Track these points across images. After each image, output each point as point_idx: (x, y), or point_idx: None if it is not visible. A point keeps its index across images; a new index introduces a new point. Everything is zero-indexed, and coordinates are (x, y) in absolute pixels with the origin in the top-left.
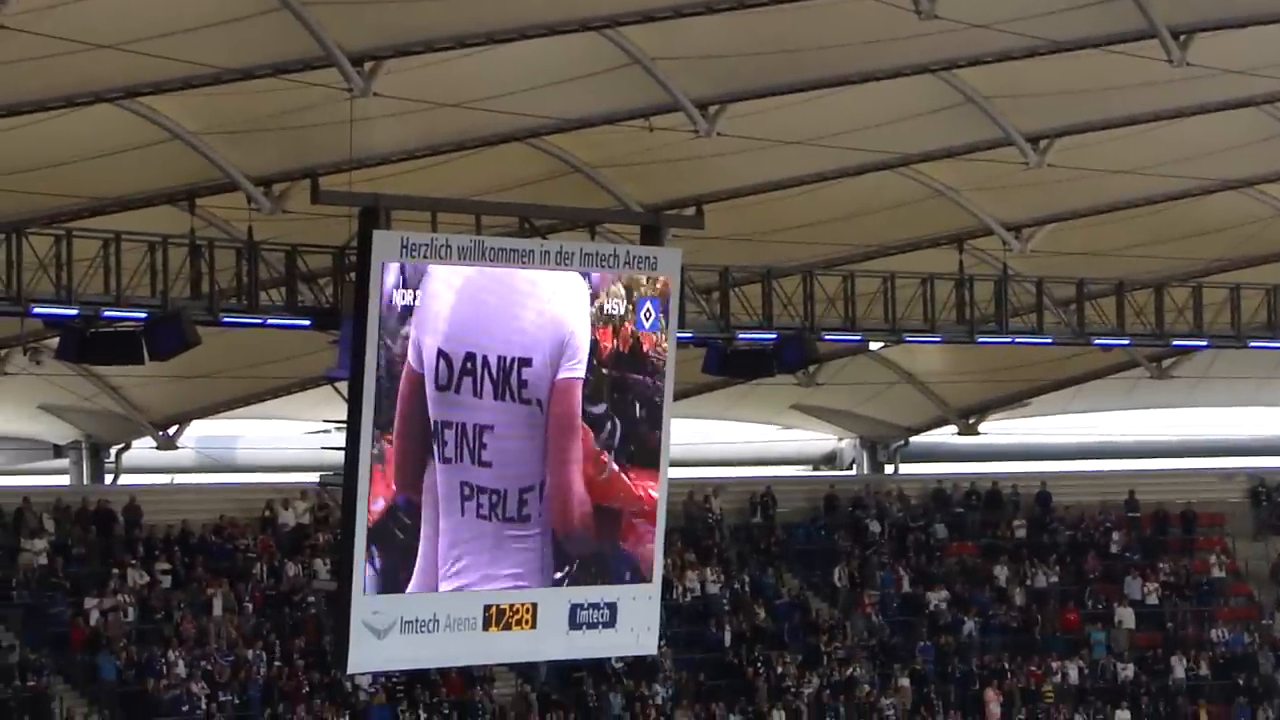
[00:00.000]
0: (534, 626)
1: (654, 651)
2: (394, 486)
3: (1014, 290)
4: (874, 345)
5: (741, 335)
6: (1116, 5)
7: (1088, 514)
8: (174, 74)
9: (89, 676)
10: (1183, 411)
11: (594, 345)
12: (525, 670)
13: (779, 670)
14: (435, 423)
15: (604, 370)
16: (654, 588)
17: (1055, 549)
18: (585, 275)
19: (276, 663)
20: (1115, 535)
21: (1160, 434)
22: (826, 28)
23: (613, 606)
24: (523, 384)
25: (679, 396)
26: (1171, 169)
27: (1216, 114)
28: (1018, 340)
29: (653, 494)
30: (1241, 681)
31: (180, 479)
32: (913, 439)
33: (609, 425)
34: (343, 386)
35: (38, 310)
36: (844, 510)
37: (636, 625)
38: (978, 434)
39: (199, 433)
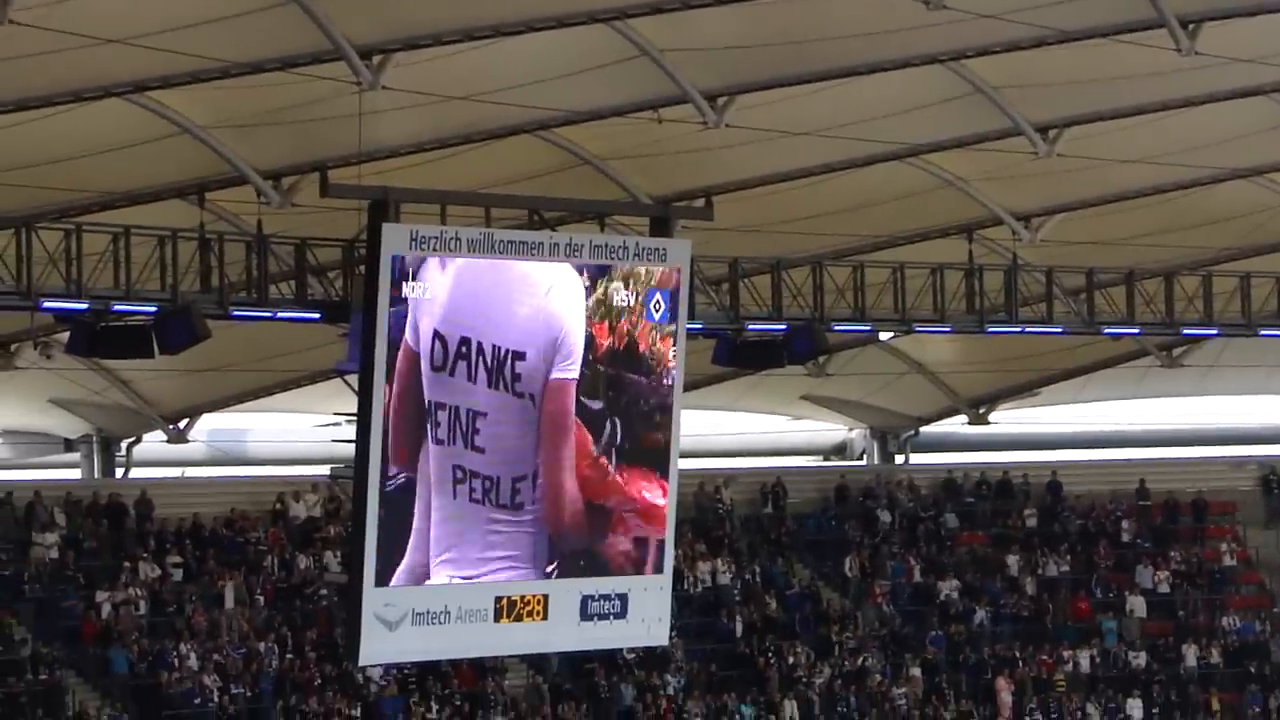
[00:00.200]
0: (545, 618)
1: (665, 642)
2: (394, 463)
3: (1024, 280)
4: (884, 335)
5: (751, 326)
6: None
7: (1099, 503)
8: (182, 68)
9: (101, 670)
10: (1193, 400)
11: (590, 341)
12: (537, 661)
13: (790, 660)
14: (429, 403)
15: (600, 367)
16: (665, 579)
17: (1066, 538)
18: (580, 269)
19: (288, 655)
20: (1126, 524)
21: (1171, 423)
22: (835, 19)
23: (624, 598)
24: (516, 377)
25: (689, 388)
26: (1181, 158)
27: (1226, 103)
28: (1028, 330)
29: (646, 495)
30: (1253, 669)
31: (191, 472)
32: (923, 429)
33: (607, 425)
34: (353, 379)
35: (48, 305)
36: (855, 500)
37: (648, 616)
38: (988, 424)
39: (209, 426)
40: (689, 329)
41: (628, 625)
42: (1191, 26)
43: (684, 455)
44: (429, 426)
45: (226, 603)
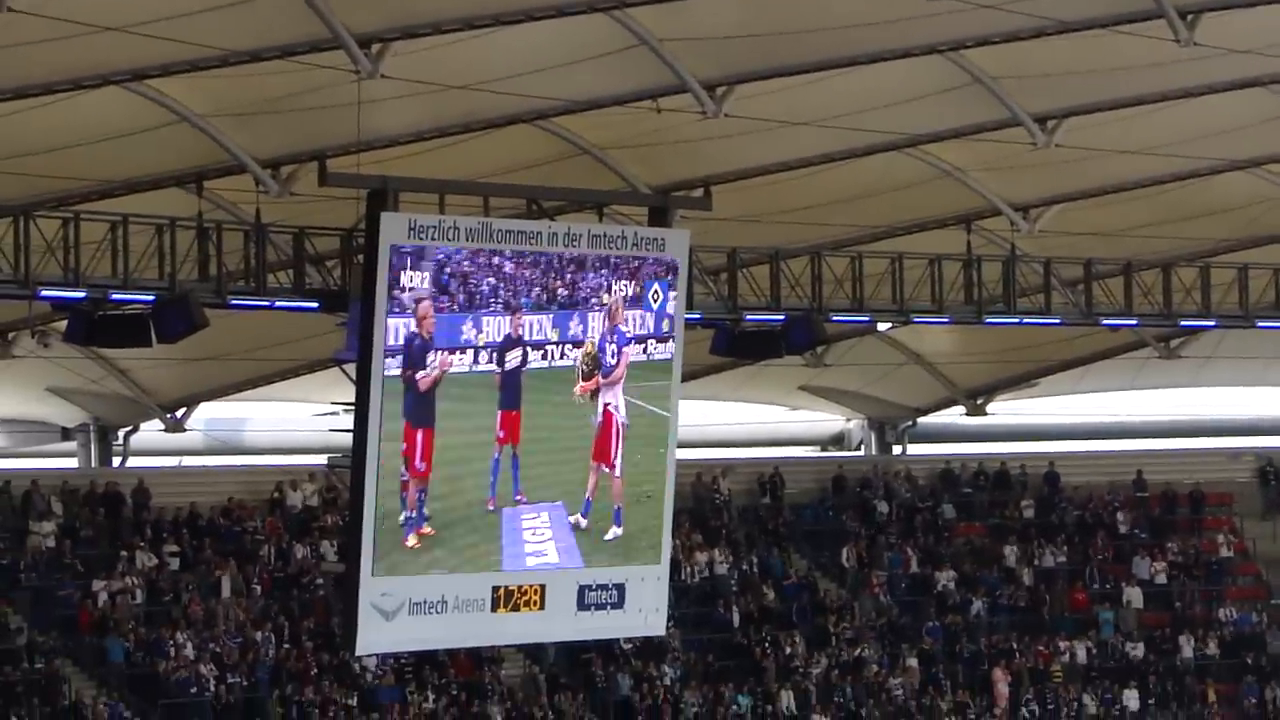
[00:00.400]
0: (542, 608)
1: (662, 632)
2: None
3: (1022, 271)
4: (882, 326)
5: (749, 316)
6: None
7: (1096, 494)
8: (181, 56)
9: (98, 659)
10: (1190, 391)
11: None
12: (534, 651)
13: (787, 650)
14: None
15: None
16: (662, 569)
17: (1063, 529)
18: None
19: (285, 645)
20: (1123, 515)
21: (1168, 414)
22: (834, 8)
23: (621, 588)
24: None
25: (687, 378)
26: (1179, 149)
27: (1224, 94)
28: (1025, 321)
29: None
30: (1250, 660)
31: (188, 461)
32: (921, 420)
33: None
34: (351, 369)
35: (45, 293)
36: (852, 491)
37: (645, 606)
38: (986, 414)
39: (207, 415)
40: (687, 319)
41: (625, 615)
42: (1190, 17)
43: (681, 445)
44: None
45: (223, 592)
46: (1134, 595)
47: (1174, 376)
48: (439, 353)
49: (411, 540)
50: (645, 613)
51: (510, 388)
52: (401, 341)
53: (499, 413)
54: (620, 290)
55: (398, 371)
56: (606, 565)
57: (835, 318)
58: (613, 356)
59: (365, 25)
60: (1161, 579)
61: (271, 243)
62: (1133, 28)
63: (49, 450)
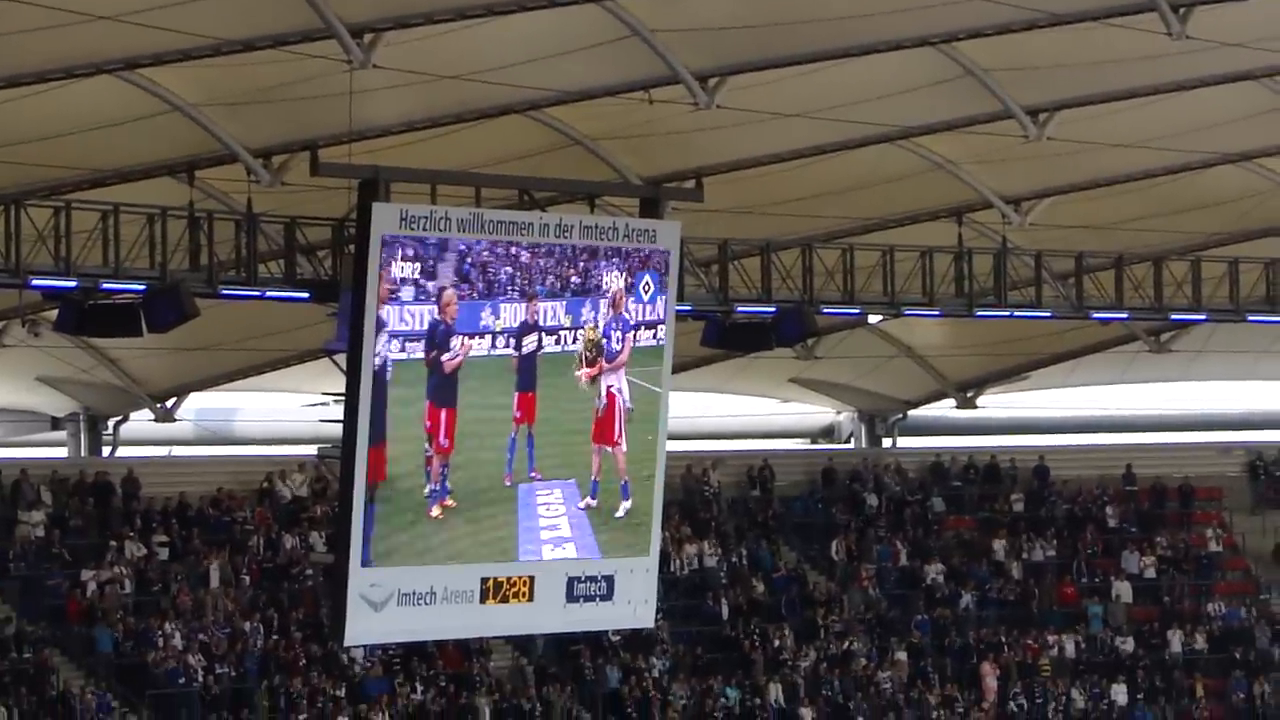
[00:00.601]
0: (531, 599)
1: (651, 624)
2: None
3: (1013, 264)
4: (873, 319)
5: (740, 308)
6: None
7: (1085, 488)
8: (174, 45)
9: (86, 649)
10: (1181, 385)
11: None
12: (522, 643)
13: (776, 643)
14: None
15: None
16: (651, 560)
17: (1053, 523)
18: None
19: (273, 635)
20: (1112, 509)
21: (1158, 408)
22: (826, 0)
23: (610, 579)
24: None
25: (677, 369)
26: (1171, 142)
27: (1216, 87)
28: (1016, 314)
29: None
30: (1238, 655)
31: (178, 451)
32: (911, 412)
33: None
34: (341, 359)
35: (36, 282)
36: (842, 484)
37: (634, 598)
38: (976, 407)
39: (197, 405)
40: (678, 310)
41: (613, 607)
42: (1182, 10)
43: (672, 437)
44: None
45: (212, 582)
46: (1123, 589)
47: (1164, 370)
48: (461, 338)
49: (436, 511)
50: (634, 605)
51: (526, 370)
52: (425, 327)
53: (515, 394)
54: (615, 281)
55: (420, 356)
56: (620, 541)
57: (826, 310)
58: (617, 343)
59: (358, 15)
60: (1150, 573)
61: (263, 232)
62: (1125, 20)
63: (39, 439)
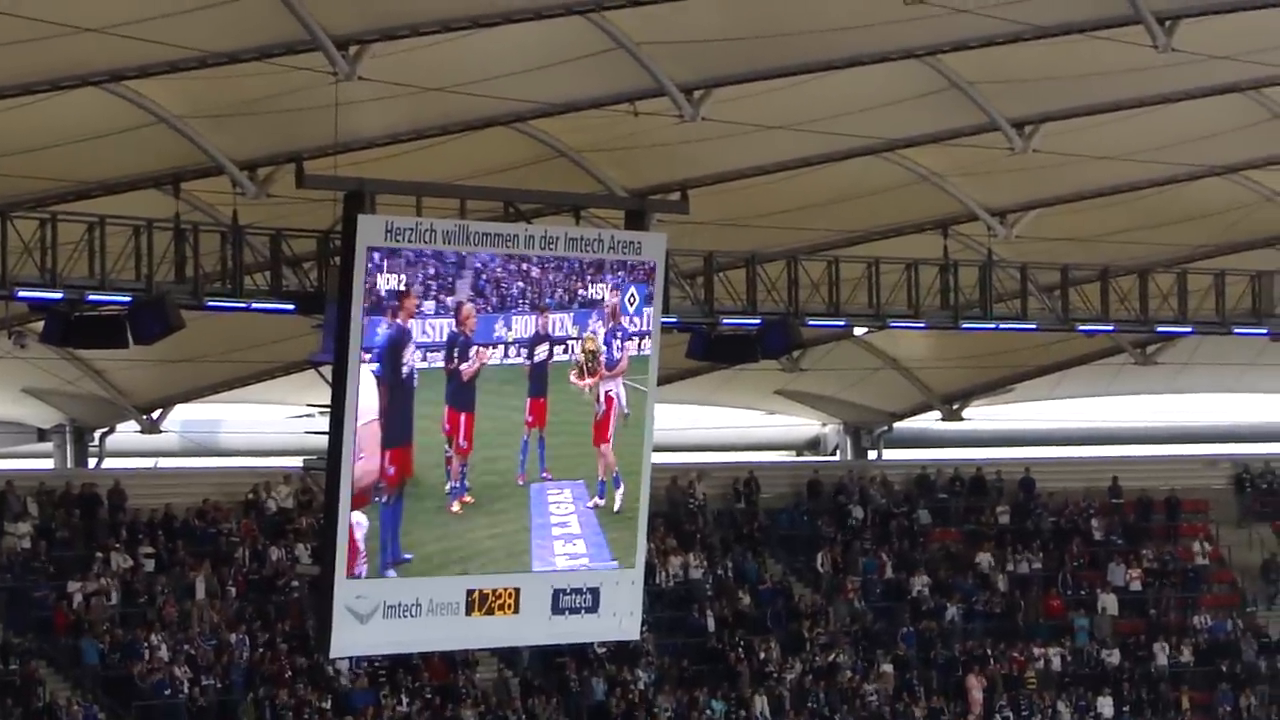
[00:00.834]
0: (516, 611)
1: (636, 636)
2: None
3: (998, 276)
4: (858, 331)
5: (726, 320)
6: None
7: (1071, 500)
8: (159, 57)
9: (72, 660)
10: (1166, 398)
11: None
12: (507, 655)
13: (761, 656)
14: None
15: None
16: (637, 573)
17: (1039, 535)
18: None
19: (259, 647)
20: (1098, 522)
21: (1144, 420)
22: (812, 12)
23: (595, 591)
24: None
25: (663, 381)
26: (1156, 155)
27: (1202, 100)
28: (1002, 326)
29: None
30: (1224, 668)
31: (164, 463)
32: (896, 425)
33: None
34: (327, 371)
35: (22, 294)
36: (827, 496)
37: (619, 610)
38: (961, 420)
39: (183, 416)
40: (663, 323)
41: (599, 619)
42: (1168, 23)
43: (657, 449)
44: None
45: (198, 594)
46: (1109, 602)
47: (1150, 383)
48: (477, 348)
49: (455, 506)
50: (619, 617)
51: (537, 378)
52: (445, 338)
53: (528, 400)
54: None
55: (441, 365)
56: (625, 533)
57: (811, 322)
58: (618, 350)
59: (343, 27)
60: (1136, 586)
61: (248, 244)
62: (1110, 33)
63: (25, 451)
